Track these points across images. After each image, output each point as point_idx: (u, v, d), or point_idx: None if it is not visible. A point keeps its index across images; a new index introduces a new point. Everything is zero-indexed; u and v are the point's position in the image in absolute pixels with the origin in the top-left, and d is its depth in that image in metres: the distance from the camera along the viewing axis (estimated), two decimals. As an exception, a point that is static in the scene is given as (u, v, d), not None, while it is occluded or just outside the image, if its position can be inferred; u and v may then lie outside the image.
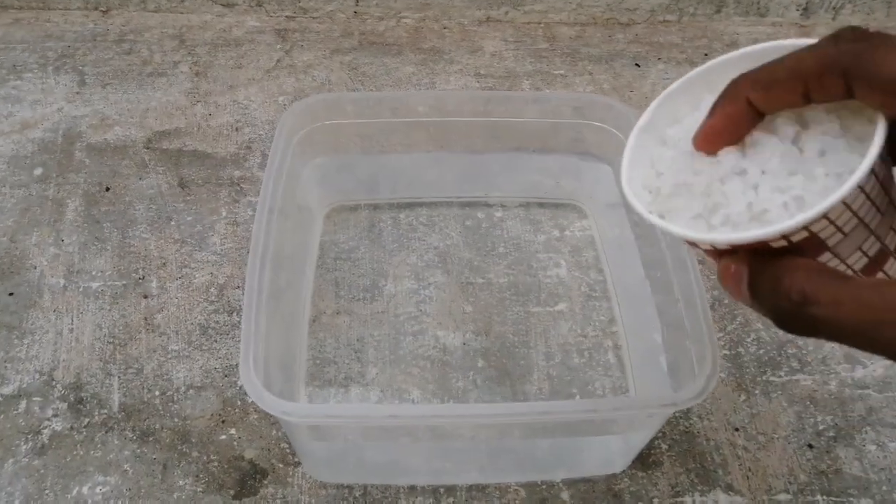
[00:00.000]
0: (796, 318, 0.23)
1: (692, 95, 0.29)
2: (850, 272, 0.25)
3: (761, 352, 0.55)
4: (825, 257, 0.24)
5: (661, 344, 0.46)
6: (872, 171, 0.23)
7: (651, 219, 0.27)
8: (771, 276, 0.23)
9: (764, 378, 0.53)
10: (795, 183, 0.24)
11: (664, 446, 0.50)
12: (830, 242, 0.24)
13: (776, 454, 0.50)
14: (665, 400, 0.36)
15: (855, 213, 0.23)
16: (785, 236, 0.23)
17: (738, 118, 0.26)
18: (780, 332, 0.56)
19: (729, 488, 0.48)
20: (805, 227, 0.23)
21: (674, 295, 0.45)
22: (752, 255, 0.24)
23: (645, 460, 0.49)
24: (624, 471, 0.48)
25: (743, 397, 0.52)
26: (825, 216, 0.22)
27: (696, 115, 0.28)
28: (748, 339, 0.56)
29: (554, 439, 0.46)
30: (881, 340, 0.21)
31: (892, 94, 0.22)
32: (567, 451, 0.47)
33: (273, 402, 0.37)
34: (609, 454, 0.47)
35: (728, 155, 0.26)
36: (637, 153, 0.29)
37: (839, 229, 0.23)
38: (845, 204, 0.22)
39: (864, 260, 0.25)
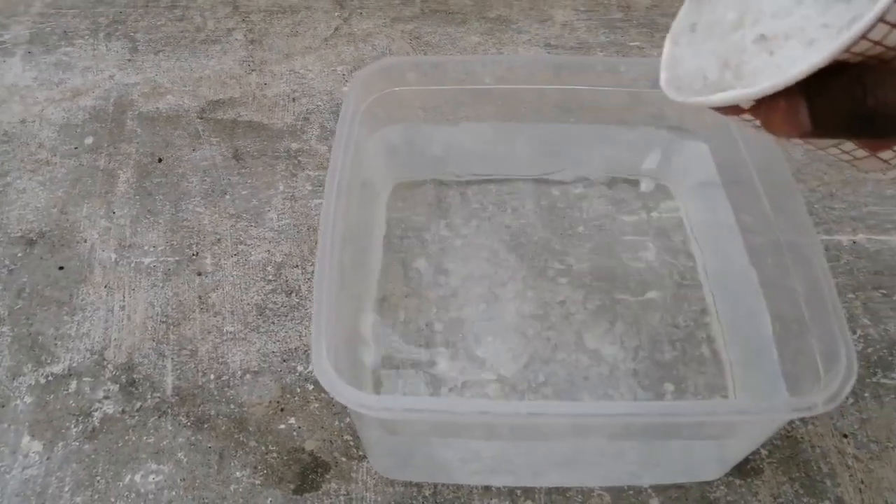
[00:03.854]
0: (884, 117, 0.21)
1: None
2: None
3: (869, 350, 0.50)
4: None
5: (772, 338, 0.41)
6: None
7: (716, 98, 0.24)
8: (839, 91, 0.22)
9: (874, 380, 0.48)
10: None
11: (764, 452, 0.45)
12: None
13: (892, 465, 0.44)
14: (798, 404, 0.31)
15: None
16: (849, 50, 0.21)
17: None
18: (892, 330, 0.50)
19: (839, 502, 0.43)
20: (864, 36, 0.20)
21: (789, 284, 0.40)
22: (806, 83, 0.22)
23: (742, 467, 0.44)
24: (719, 478, 0.44)
25: (851, 400, 0.47)
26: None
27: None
28: (854, 337, 0.50)
29: (647, 441, 0.41)
30: None
31: None
32: (659, 454, 0.42)
33: (350, 393, 0.33)
34: (706, 459, 0.43)
35: None
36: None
37: None
38: None
39: None
